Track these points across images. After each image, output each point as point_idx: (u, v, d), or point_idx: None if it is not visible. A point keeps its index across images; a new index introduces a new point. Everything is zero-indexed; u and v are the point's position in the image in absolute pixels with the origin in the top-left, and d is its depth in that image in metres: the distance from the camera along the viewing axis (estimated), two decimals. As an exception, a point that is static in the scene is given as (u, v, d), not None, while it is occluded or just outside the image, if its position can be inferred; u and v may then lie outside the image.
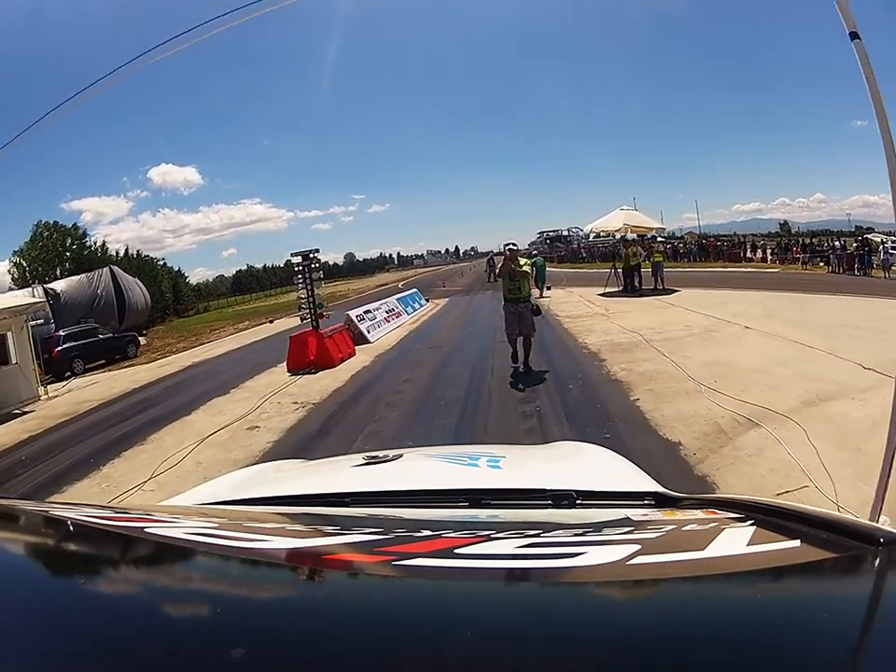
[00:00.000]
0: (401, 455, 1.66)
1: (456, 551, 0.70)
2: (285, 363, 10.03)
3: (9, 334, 11.24)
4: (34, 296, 19.07)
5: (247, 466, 5.11)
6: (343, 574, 0.65)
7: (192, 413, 7.73)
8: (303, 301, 10.04)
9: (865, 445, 3.83)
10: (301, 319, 10.26)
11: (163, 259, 47.34)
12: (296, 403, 7.33)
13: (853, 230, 52.16)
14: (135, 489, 5.10)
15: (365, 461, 1.61)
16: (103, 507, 1.65)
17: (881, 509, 2.42)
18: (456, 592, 0.57)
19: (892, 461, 2.39)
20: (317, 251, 10.11)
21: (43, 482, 5.76)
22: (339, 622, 0.48)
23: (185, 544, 0.75)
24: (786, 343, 7.41)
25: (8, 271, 31.58)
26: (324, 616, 0.50)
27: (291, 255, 10.20)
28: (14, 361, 11.32)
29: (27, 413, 10.26)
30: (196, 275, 67.63)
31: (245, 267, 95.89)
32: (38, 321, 17.24)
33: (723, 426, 4.58)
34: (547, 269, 20.94)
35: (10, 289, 24.41)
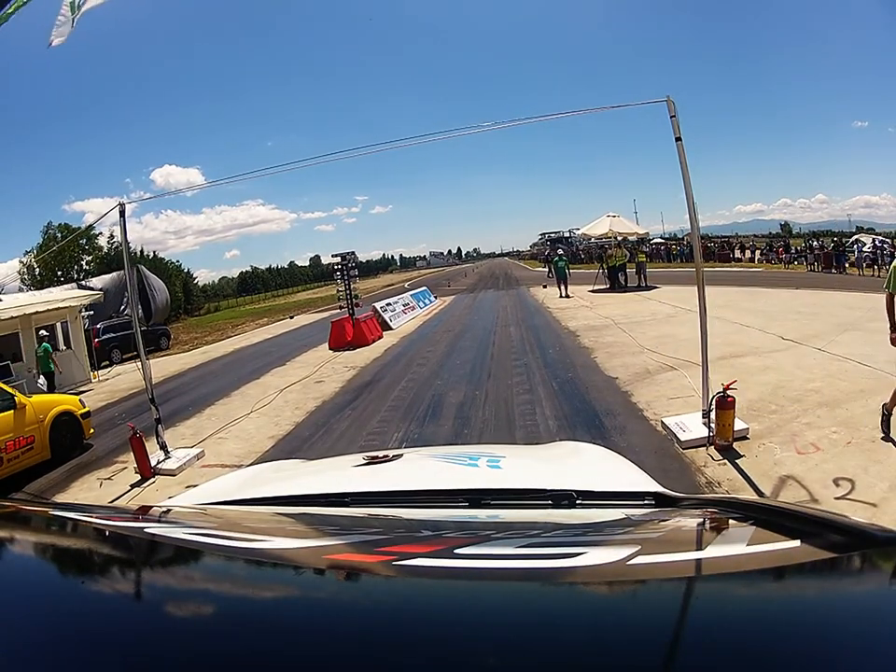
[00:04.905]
0: (401, 456, 1.67)
1: (456, 551, 0.71)
2: (324, 344, 12.32)
3: (58, 324, 12.37)
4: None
5: (321, 403, 7.29)
6: (343, 574, 0.65)
7: (261, 377, 9.87)
8: (341, 293, 12.38)
9: (748, 378, 5.88)
10: (340, 308, 12.63)
11: (178, 260, 47.49)
12: (346, 367, 9.61)
13: (854, 230, 52.63)
14: (243, 417, 7.18)
15: (365, 461, 1.60)
16: (104, 507, 1.68)
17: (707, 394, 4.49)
18: (457, 592, 0.57)
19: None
20: (353, 253, 12.59)
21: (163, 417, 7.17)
22: (340, 621, 0.49)
23: (186, 544, 0.77)
24: (727, 324, 9.46)
25: (18, 271, 31.46)
26: (325, 615, 0.51)
27: (332, 255, 12.60)
28: (64, 347, 12.48)
29: (84, 392, 10.74)
30: (199, 277, 67.86)
31: (248, 268, 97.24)
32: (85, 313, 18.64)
33: (650, 369, 6.80)
34: (536, 269, 22.78)
35: (20, 290, 24.40)
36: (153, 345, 18.85)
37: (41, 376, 11.01)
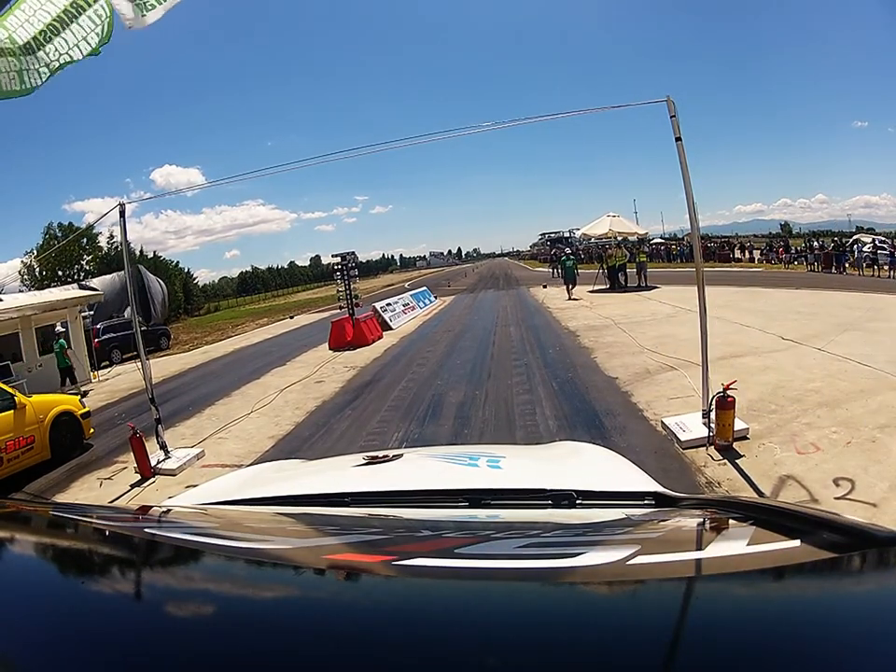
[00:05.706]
0: (401, 456, 1.67)
1: (456, 551, 0.72)
2: (324, 344, 12.33)
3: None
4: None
5: (321, 403, 7.30)
6: (343, 574, 0.65)
7: (262, 377, 9.87)
8: (341, 293, 12.40)
9: (748, 378, 5.88)
10: (340, 308, 12.66)
11: (178, 260, 47.45)
12: (346, 367, 9.61)
13: (854, 230, 52.97)
14: (243, 417, 7.18)
15: (365, 461, 1.60)
16: (104, 507, 1.69)
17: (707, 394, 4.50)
18: (457, 592, 0.57)
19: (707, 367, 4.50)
20: (353, 253, 12.63)
21: (163, 417, 7.16)
22: (340, 621, 0.49)
23: (186, 544, 0.77)
24: (727, 324, 9.46)
25: (19, 271, 31.68)
26: (325, 615, 0.51)
27: (332, 255, 12.64)
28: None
29: (85, 391, 10.78)
30: (199, 277, 67.81)
31: (248, 268, 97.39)
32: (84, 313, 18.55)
33: (650, 369, 6.80)
34: (536, 270, 21.63)
35: (20, 290, 24.20)
36: (153, 345, 18.83)
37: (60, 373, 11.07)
